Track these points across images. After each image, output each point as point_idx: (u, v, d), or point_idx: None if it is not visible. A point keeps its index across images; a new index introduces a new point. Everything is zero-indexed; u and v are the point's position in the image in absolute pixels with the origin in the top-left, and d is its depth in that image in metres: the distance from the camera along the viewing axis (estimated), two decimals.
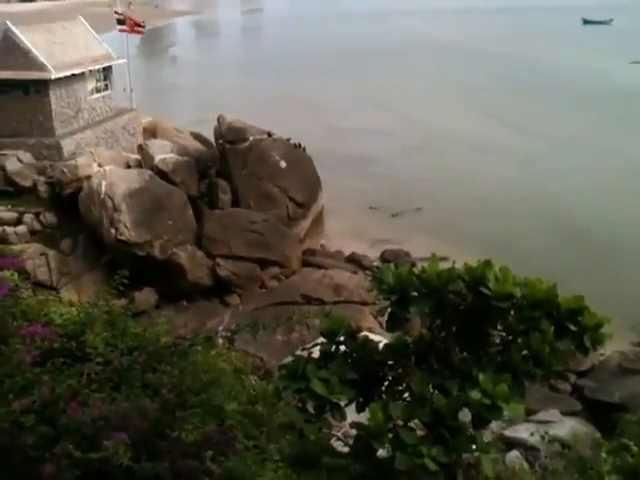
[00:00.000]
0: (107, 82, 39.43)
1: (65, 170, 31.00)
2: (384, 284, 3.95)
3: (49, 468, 3.83)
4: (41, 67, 33.97)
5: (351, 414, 3.89)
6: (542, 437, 12.93)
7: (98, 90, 38.52)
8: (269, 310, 25.80)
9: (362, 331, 4.20)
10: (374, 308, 24.20)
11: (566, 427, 17.52)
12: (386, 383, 4.06)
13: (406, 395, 3.94)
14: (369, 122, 54.76)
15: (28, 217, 30.36)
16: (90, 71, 37.42)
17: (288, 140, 37.78)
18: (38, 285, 23.96)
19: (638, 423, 8.50)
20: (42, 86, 34.34)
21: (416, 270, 4.01)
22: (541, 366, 3.80)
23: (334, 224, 37.52)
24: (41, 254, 28.35)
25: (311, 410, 3.84)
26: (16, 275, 5.87)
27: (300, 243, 33.95)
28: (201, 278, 29.76)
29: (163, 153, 33.28)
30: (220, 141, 36.15)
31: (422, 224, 35.59)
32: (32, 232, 30.08)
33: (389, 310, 4.00)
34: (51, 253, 28.70)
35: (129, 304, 7.38)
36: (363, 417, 3.76)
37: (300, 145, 38.43)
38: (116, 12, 40.99)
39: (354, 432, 3.75)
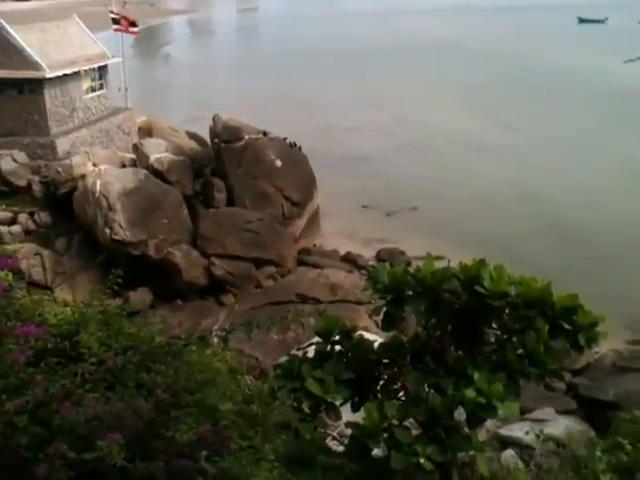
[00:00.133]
0: (102, 81, 39.27)
1: (60, 169, 30.95)
2: (379, 283, 3.95)
3: (43, 469, 3.81)
4: (35, 66, 33.83)
5: (346, 413, 3.89)
6: (537, 436, 12.97)
7: (93, 89, 38.38)
8: (264, 309, 25.84)
9: (357, 330, 4.19)
10: (369, 307, 24.23)
11: (561, 426, 17.55)
12: (381, 382, 4.06)
13: (401, 394, 3.94)
14: (367, 122, 54.75)
15: (22, 217, 30.28)
16: (85, 70, 37.27)
17: (284, 139, 37.74)
18: (33, 285, 23.93)
19: (632, 421, 8.54)
20: (36, 85, 34.20)
21: (411, 269, 4.01)
22: (536, 365, 3.80)
23: (330, 223, 37.48)
24: (35, 254, 28.31)
25: (306, 410, 3.83)
26: (10, 275, 5.83)
27: (295, 242, 33.92)
28: (196, 277, 29.72)
29: (158, 152, 33.22)
30: (215, 140, 36.06)
31: (418, 223, 35.62)
32: (26, 232, 30.01)
33: (384, 309, 4.00)
34: (45, 253, 28.65)
35: (124, 304, 7.37)
36: (358, 417, 3.76)
37: (296, 144, 38.37)
38: (111, 11, 40.89)
39: (349, 431, 3.74)
